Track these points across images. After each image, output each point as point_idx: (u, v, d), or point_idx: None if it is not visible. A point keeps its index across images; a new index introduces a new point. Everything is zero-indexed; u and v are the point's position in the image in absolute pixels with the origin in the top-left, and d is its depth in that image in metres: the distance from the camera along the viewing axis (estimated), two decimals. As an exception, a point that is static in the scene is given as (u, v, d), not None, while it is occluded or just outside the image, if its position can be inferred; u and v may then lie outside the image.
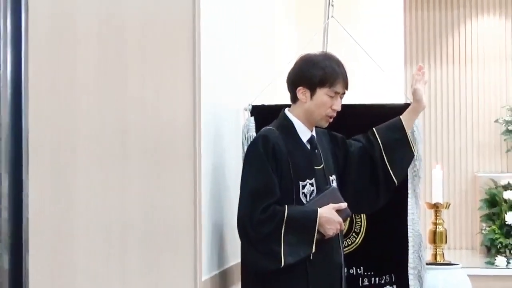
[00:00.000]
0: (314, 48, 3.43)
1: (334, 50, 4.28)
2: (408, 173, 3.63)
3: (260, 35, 4.59)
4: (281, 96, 3.35)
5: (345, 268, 3.55)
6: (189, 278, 2.84)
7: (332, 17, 4.32)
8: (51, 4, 1.71)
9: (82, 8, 1.91)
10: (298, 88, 3.17)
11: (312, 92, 3.15)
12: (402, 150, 3.38)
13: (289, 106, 3.25)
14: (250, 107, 3.68)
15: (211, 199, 3.31)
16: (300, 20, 5.71)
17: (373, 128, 3.40)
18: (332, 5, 4.38)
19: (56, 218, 1.72)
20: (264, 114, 3.50)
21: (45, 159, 1.64)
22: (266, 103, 3.71)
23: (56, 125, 1.72)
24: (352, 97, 3.45)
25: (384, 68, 3.99)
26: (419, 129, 3.63)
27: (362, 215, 3.71)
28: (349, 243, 3.72)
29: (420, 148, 3.65)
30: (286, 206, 3.03)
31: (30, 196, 1.39)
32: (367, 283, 3.71)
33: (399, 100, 3.75)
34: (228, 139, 3.60)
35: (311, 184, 3.12)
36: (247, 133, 3.58)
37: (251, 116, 3.65)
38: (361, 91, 5.42)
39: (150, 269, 2.41)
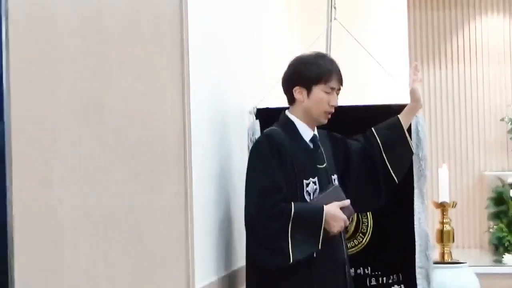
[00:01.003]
0: (318, 50, 3.45)
1: (337, 52, 4.31)
2: (414, 173, 3.64)
3: (263, 38, 4.61)
4: (285, 99, 3.37)
5: (352, 268, 3.56)
6: (181, 285, 2.80)
7: (335, 19, 4.34)
8: (31, 8, 1.72)
9: (64, 9, 1.90)
10: (294, 88, 3.22)
11: (309, 90, 3.20)
12: (401, 149, 3.42)
13: (288, 109, 3.28)
14: (255, 110, 3.71)
15: (217, 202, 3.33)
16: (302, 23, 5.72)
17: (372, 128, 3.44)
18: (335, 8, 4.40)
19: (40, 227, 1.72)
20: (269, 117, 3.52)
21: (27, 163, 1.64)
22: (271, 106, 3.73)
23: (37, 130, 1.72)
24: (356, 98, 3.47)
25: (388, 69, 4.00)
26: (424, 128, 3.64)
27: (368, 215, 3.72)
28: (356, 243, 3.73)
29: (426, 147, 3.66)
30: (292, 203, 3.06)
31: (14, 201, 1.40)
32: (375, 283, 3.71)
33: (404, 100, 3.76)
34: (233, 141, 3.62)
35: (314, 183, 3.16)
36: (253, 135, 3.61)
37: (256, 119, 3.67)
38: (364, 92, 5.44)
39: (140, 278, 2.39)
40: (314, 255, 3.08)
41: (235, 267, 3.51)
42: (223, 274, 3.34)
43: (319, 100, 3.19)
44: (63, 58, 1.91)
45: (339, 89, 3.25)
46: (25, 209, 1.59)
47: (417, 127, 3.61)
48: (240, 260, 3.51)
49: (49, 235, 1.77)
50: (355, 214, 3.62)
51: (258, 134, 3.56)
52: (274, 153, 3.10)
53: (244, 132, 3.70)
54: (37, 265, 1.68)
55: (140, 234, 2.39)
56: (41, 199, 1.73)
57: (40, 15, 1.78)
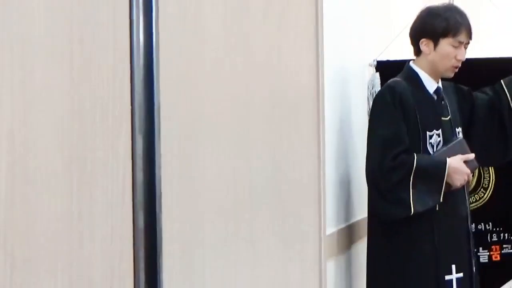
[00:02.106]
0: (439, 2, 3.39)
1: (461, 2, 4.19)
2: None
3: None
4: (407, 51, 3.34)
5: (473, 224, 3.52)
6: (314, 232, 2.89)
7: (459, -31, 4.22)
8: (179, 3, 1.78)
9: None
10: (421, 40, 3.18)
11: (436, 43, 3.15)
12: None
13: (413, 60, 3.25)
14: (375, 62, 3.69)
15: (337, 155, 3.36)
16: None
17: (501, 81, 3.35)
18: (459, -43, 4.28)
19: (185, 178, 1.81)
20: (389, 70, 3.49)
21: (175, 122, 1.72)
22: (391, 58, 3.70)
23: (184, 92, 1.81)
24: (480, 50, 3.39)
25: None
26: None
27: (490, 169, 3.66)
28: (477, 198, 3.68)
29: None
30: (415, 154, 3.05)
31: (162, 158, 1.47)
32: (496, 239, 3.67)
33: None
34: (353, 94, 3.62)
35: (438, 135, 3.13)
36: (372, 88, 3.59)
37: (376, 71, 3.65)
38: (490, 45, 5.29)
39: (277, 224, 2.47)
40: (436, 208, 3.07)
41: (355, 219, 3.54)
42: (343, 225, 3.37)
43: (446, 54, 3.14)
44: (208, 23, 1.98)
45: (468, 43, 3.18)
46: (172, 170, 1.67)
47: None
48: (361, 212, 3.54)
49: (192, 195, 1.85)
50: (477, 169, 3.57)
51: (378, 87, 3.55)
52: (397, 104, 3.08)
53: (364, 85, 3.69)
54: (182, 231, 1.77)
55: (279, 189, 2.47)
56: (188, 161, 1.81)
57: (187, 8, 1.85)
